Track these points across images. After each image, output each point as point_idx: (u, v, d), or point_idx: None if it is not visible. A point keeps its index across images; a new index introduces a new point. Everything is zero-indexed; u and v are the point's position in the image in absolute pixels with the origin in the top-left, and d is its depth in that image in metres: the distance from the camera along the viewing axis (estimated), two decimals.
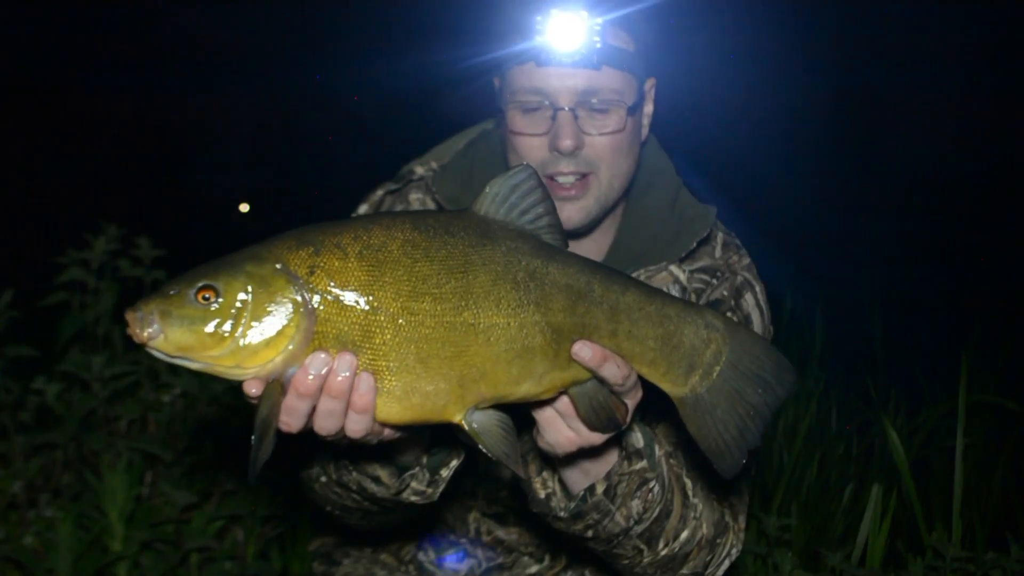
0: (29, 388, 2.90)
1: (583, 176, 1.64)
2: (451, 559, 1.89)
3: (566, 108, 1.61)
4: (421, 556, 1.92)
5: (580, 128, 1.62)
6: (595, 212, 1.68)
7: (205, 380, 2.96)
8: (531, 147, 1.64)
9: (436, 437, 1.50)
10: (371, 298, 1.18)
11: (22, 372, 3.00)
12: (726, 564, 1.67)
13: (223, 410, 2.95)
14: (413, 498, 1.50)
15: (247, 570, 2.70)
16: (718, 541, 1.65)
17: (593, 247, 1.78)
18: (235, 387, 3.04)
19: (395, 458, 1.48)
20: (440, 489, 1.51)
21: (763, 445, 1.81)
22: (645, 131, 1.78)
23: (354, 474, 1.50)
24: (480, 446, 1.24)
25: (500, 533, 1.87)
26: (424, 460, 1.50)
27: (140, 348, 1.21)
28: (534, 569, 1.89)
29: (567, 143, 1.60)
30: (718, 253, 1.81)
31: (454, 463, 1.51)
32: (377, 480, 1.49)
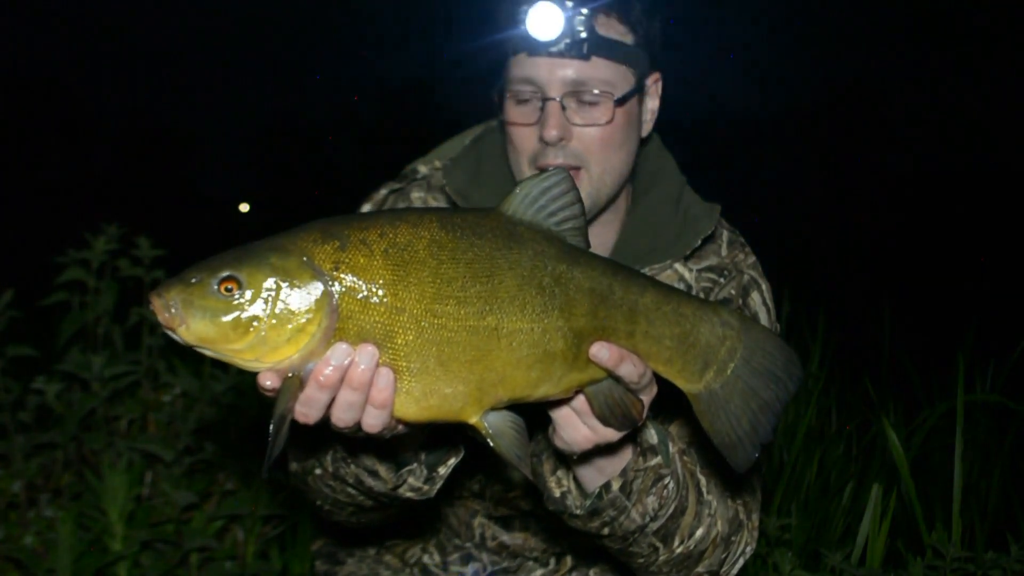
0: (29, 388, 2.90)
1: (574, 169, 1.64)
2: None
3: (555, 98, 1.61)
4: (426, 559, 1.92)
5: (568, 119, 1.62)
6: (587, 205, 1.68)
7: (205, 380, 2.96)
8: (523, 137, 1.65)
9: (436, 434, 1.50)
10: (395, 298, 1.17)
11: (22, 372, 3.00)
12: (740, 562, 1.67)
13: (223, 410, 2.95)
14: (409, 494, 1.50)
15: (247, 570, 2.70)
16: (732, 539, 1.64)
17: (596, 244, 1.78)
18: (235, 388, 3.04)
19: (394, 453, 1.48)
20: (437, 486, 1.51)
21: (771, 445, 1.81)
22: (648, 126, 1.77)
23: (351, 467, 1.50)
24: (493, 447, 1.24)
25: (505, 538, 1.87)
26: (422, 457, 1.50)
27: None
28: (539, 573, 1.89)
29: (552, 133, 1.60)
30: (724, 252, 1.81)
31: (452, 461, 1.51)
32: (375, 474, 1.49)
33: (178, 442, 2.84)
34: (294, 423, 1.22)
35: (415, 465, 1.49)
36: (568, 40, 1.58)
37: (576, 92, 1.61)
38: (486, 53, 1.73)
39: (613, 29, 1.63)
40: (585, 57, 1.60)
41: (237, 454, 2.89)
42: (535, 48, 1.60)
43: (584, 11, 1.58)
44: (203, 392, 2.92)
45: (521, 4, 1.60)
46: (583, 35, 1.58)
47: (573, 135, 1.63)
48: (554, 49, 1.59)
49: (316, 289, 1.15)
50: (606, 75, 1.62)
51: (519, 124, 1.65)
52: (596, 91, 1.61)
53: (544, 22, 1.58)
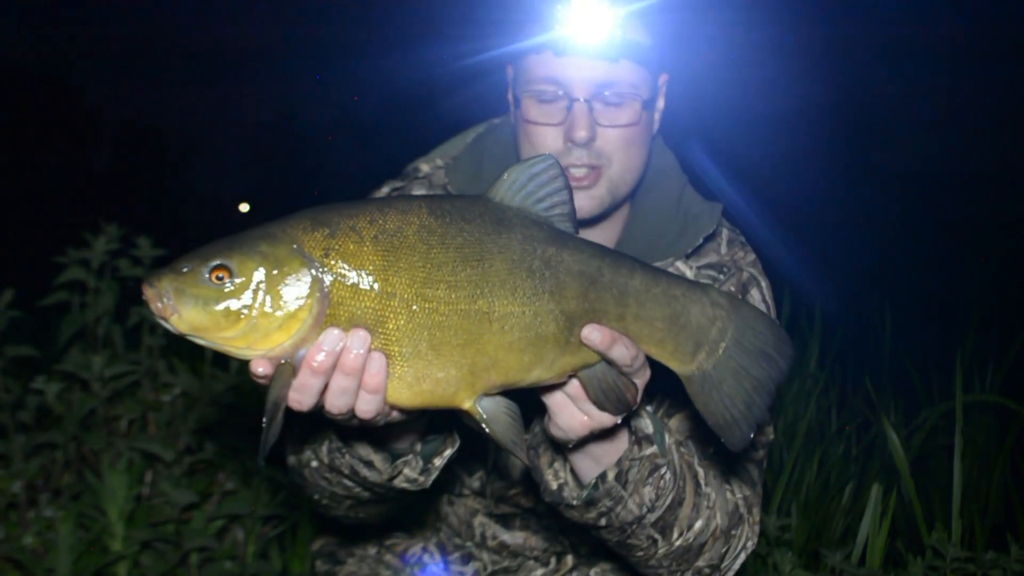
0: (29, 388, 2.90)
1: (594, 168, 1.65)
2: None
3: (582, 99, 1.62)
4: (426, 558, 1.92)
5: (594, 120, 1.63)
6: (607, 202, 1.70)
7: (205, 380, 2.96)
8: (545, 137, 1.66)
9: (432, 425, 1.51)
10: (385, 283, 1.18)
11: (22, 372, 3.00)
12: (742, 557, 1.67)
13: (223, 410, 2.95)
14: (404, 484, 1.51)
15: (247, 570, 2.70)
16: (733, 532, 1.64)
17: (600, 240, 1.78)
18: (235, 388, 3.04)
19: (389, 444, 1.49)
20: (432, 477, 1.52)
21: (772, 441, 1.81)
22: (656, 126, 1.79)
23: (347, 458, 1.50)
24: (487, 432, 1.25)
25: (505, 537, 1.87)
26: (418, 447, 1.50)
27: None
28: (539, 572, 1.89)
29: (581, 134, 1.61)
30: (724, 249, 1.82)
31: (448, 452, 1.52)
32: (370, 465, 1.49)
33: (178, 442, 2.84)
34: (290, 413, 1.22)
35: (411, 456, 1.49)
36: (604, 42, 1.59)
37: (602, 94, 1.63)
38: (496, 53, 1.72)
39: (637, 32, 1.64)
40: (614, 59, 1.61)
41: (237, 454, 2.89)
42: (565, 49, 1.61)
43: (621, 13, 1.59)
44: (203, 392, 2.92)
45: (553, 3, 1.61)
46: (619, 37, 1.60)
47: (598, 135, 1.64)
48: (588, 51, 1.60)
49: (306, 276, 1.16)
50: (632, 77, 1.64)
51: (542, 124, 1.66)
52: (623, 92, 1.63)
53: (586, 24, 1.58)
